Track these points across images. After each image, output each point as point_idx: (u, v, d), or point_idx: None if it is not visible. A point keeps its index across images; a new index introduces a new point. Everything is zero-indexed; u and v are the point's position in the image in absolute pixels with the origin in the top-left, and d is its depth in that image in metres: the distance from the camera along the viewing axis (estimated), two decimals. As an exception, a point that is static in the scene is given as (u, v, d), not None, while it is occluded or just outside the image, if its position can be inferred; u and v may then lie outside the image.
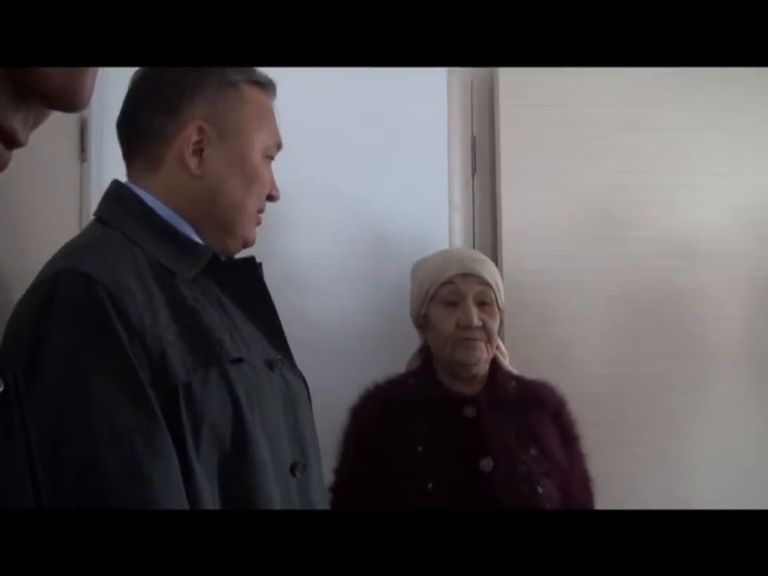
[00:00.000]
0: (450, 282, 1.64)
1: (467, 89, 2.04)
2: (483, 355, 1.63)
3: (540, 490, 1.52)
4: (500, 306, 1.66)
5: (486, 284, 1.63)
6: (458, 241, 2.00)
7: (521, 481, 1.53)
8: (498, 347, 1.71)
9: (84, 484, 0.84)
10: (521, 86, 1.96)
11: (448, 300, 1.64)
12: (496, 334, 1.64)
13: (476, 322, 1.61)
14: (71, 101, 0.44)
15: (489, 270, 1.65)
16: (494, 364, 1.69)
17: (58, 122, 1.67)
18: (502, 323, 1.70)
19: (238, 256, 1.17)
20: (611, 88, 1.99)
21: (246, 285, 1.12)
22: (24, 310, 0.92)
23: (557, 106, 1.98)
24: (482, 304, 1.63)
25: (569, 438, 1.67)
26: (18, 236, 1.33)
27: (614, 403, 1.97)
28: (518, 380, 1.70)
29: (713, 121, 2.06)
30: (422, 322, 1.70)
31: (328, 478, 1.41)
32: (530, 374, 1.72)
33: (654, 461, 1.99)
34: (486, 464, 1.52)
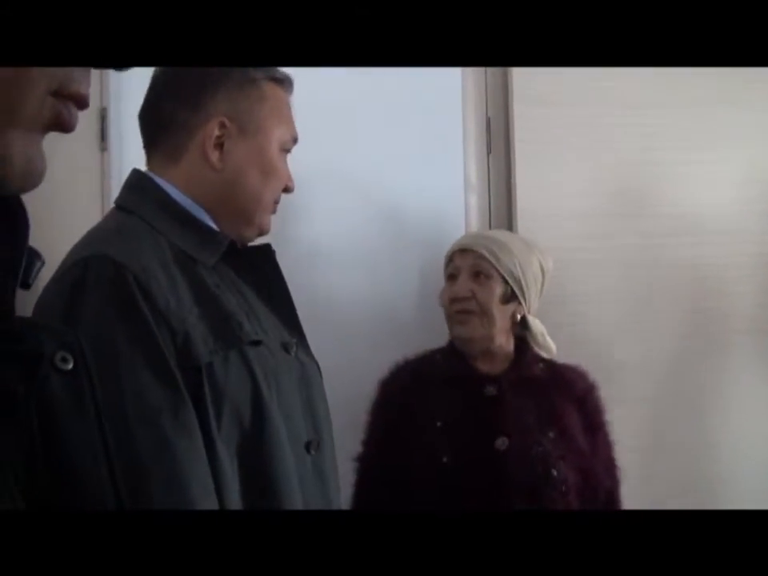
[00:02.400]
0: (451, 259, 1.69)
1: (481, 69, 2.04)
2: (477, 330, 1.63)
3: (554, 473, 1.53)
4: (506, 279, 1.63)
5: (480, 256, 1.63)
6: (474, 221, 2.01)
7: (535, 462, 1.54)
8: (524, 324, 1.69)
9: (98, 459, 0.87)
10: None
11: (449, 275, 1.68)
12: (490, 306, 1.62)
13: (464, 293, 1.62)
14: None
15: (485, 243, 1.65)
16: (521, 345, 1.69)
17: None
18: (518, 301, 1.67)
19: (253, 243, 1.21)
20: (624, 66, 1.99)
21: (262, 271, 1.16)
22: (53, 294, 0.96)
23: (570, 86, 1.97)
24: (477, 275, 1.63)
25: (594, 424, 1.66)
26: (40, 224, 1.36)
27: (630, 379, 1.98)
28: (547, 363, 1.69)
29: (724, 97, 2.05)
30: (440, 300, 1.72)
31: (344, 452, 1.44)
32: (567, 360, 1.72)
33: (671, 436, 2.00)
34: (501, 443, 1.53)
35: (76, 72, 0.46)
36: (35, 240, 1.29)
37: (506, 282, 1.63)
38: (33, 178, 0.47)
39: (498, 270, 1.63)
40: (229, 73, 1.11)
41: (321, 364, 1.24)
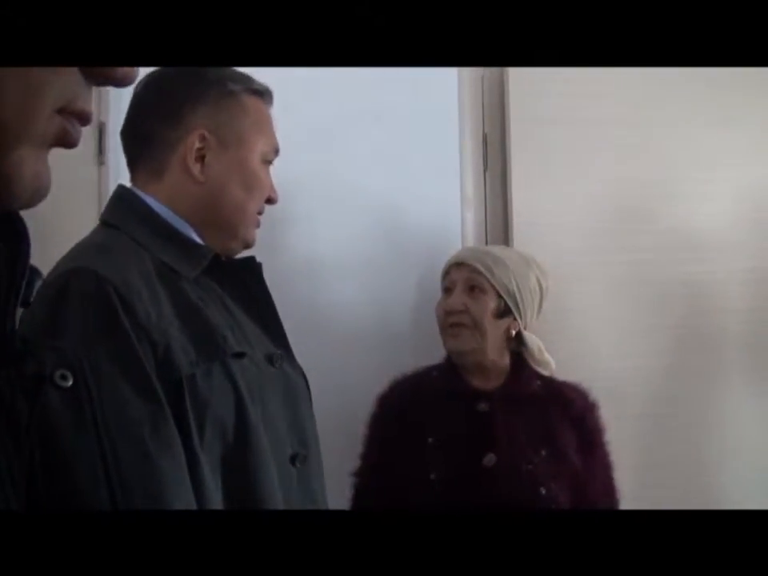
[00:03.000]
0: (447, 272, 1.71)
1: (478, 86, 2.06)
2: (468, 343, 1.63)
3: (543, 491, 1.52)
4: (500, 293, 1.64)
5: (475, 270, 1.64)
6: (471, 236, 2.02)
7: (523, 480, 1.53)
8: (520, 340, 1.69)
9: (96, 472, 0.87)
10: (531, 82, 1.97)
11: (445, 289, 1.70)
12: (483, 319, 1.63)
13: (457, 306, 1.63)
14: (128, 80, 0.50)
15: (480, 258, 1.66)
16: (518, 361, 1.69)
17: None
18: (513, 316, 1.68)
19: (238, 256, 1.21)
20: (620, 84, 2.00)
21: (246, 284, 1.17)
22: (37, 306, 0.96)
23: (566, 103, 1.99)
24: (471, 289, 1.65)
25: (591, 443, 1.65)
26: (38, 239, 1.36)
27: (626, 395, 1.97)
28: (545, 380, 1.69)
29: (718, 115, 2.06)
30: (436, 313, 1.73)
31: (340, 464, 1.44)
32: (563, 376, 1.72)
33: (665, 453, 2.00)
34: (489, 460, 1.53)
35: (81, 90, 0.48)
36: (33, 254, 1.30)
37: (501, 297, 1.64)
38: (40, 193, 0.48)
39: (492, 285, 1.63)
40: (208, 87, 1.12)
41: (315, 375, 1.25)
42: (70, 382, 0.58)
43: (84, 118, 0.49)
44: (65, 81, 0.46)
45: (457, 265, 1.68)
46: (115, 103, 1.77)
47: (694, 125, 2.05)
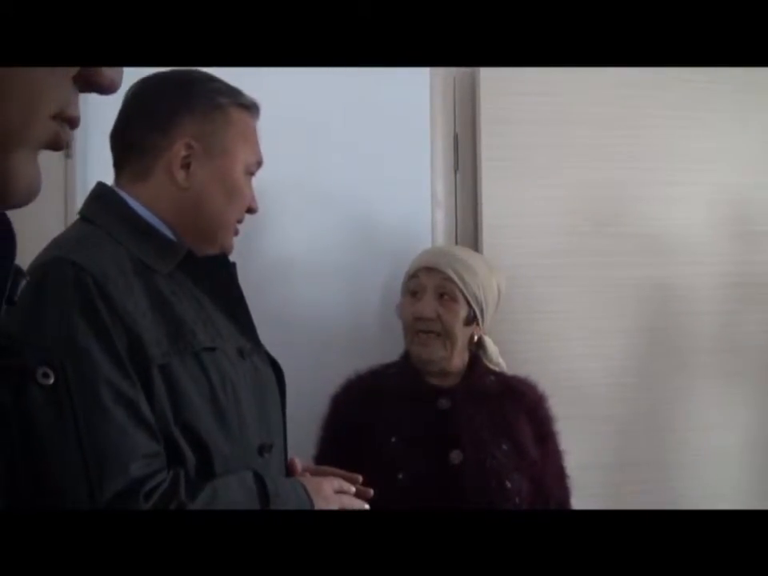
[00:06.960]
0: (415, 275, 1.68)
1: (449, 86, 2.06)
2: (439, 352, 1.63)
3: (508, 485, 1.53)
4: (470, 302, 1.64)
5: (448, 278, 1.63)
6: (441, 236, 2.03)
7: (489, 475, 1.54)
8: (480, 344, 1.71)
9: (69, 452, 0.88)
10: (502, 83, 1.98)
11: (412, 291, 1.68)
12: (454, 328, 1.63)
13: (429, 313, 1.62)
14: (113, 88, 0.52)
15: (452, 264, 1.64)
16: (473, 358, 1.70)
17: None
18: (476, 322, 1.68)
19: None
20: (591, 86, 2.02)
21: (218, 280, 1.20)
22: (19, 297, 0.98)
23: (537, 104, 2.00)
24: (441, 296, 1.63)
25: (544, 434, 1.67)
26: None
27: (594, 397, 1.99)
28: (498, 375, 1.70)
29: (691, 119, 2.09)
30: (399, 313, 1.72)
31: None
32: (513, 371, 1.73)
33: (633, 454, 2.02)
34: (456, 457, 1.54)
35: (72, 97, 0.51)
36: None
37: (470, 305, 1.64)
38: (31, 194, 0.50)
39: (463, 293, 1.63)
40: (196, 99, 1.17)
41: (286, 375, 1.27)
42: (52, 380, 0.60)
43: (74, 123, 0.52)
44: (60, 88, 0.49)
45: (427, 269, 1.66)
46: (83, 96, 1.75)
47: (665, 127, 2.08)
